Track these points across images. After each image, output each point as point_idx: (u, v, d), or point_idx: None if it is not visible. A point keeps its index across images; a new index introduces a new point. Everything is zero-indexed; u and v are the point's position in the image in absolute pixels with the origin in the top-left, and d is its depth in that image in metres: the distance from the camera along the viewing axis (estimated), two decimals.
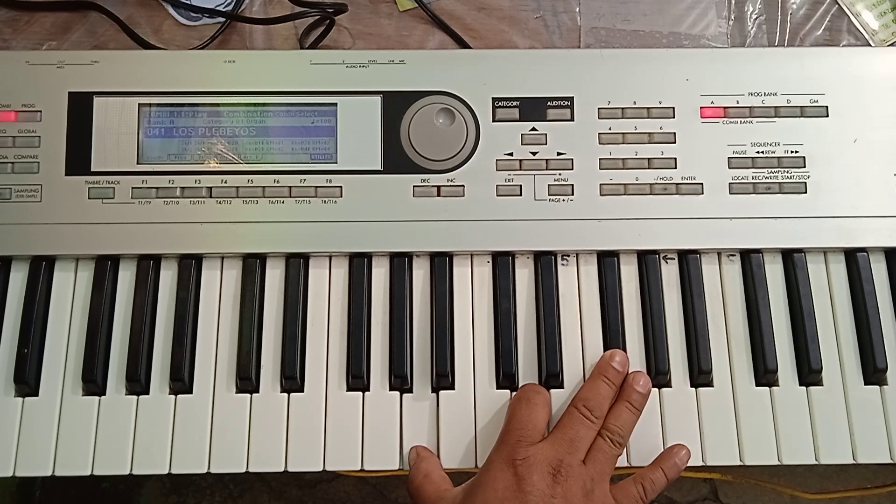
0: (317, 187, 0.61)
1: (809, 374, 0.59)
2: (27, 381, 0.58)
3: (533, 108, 0.62)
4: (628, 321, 0.60)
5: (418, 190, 0.61)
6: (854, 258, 0.61)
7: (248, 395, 0.58)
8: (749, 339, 0.60)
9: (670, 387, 0.59)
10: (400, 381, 0.59)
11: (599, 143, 0.62)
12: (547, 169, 0.61)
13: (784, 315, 0.61)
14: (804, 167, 0.61)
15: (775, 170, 0.61)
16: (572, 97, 0.62)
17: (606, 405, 0.57)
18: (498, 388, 0.59)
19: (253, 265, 0.61)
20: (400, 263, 0.61)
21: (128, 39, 0.69)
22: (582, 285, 0.61)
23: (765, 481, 0.80)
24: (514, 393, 0.58)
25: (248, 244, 0.60)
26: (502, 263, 0.61)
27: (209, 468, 0.57)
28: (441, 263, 0.61)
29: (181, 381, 0.58)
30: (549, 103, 0.62)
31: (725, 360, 0.59)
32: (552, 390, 0.58)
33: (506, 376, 0.59)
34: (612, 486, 0.55)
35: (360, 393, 0.59)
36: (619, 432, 0.56)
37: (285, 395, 0.58)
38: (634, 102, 0.62)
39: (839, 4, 0.71)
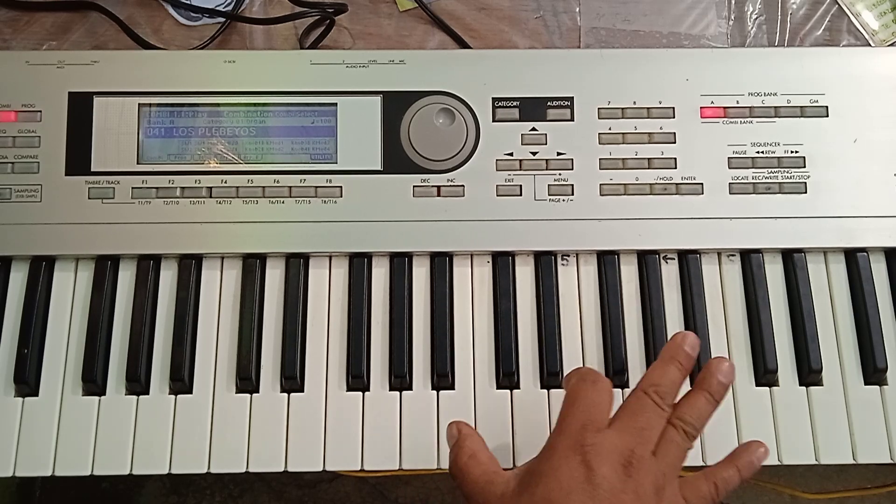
0: (317, 187, 0.61)
1: (809, 374, 0.59)
2: (27, 381, 0.58)
3: (533, 108, 0.62)
4: (628, 321, 0.60)
5: (418, 190, 0.61)
6: (854, 258, 0.61)
7: (248, 395, 0.58)
8: (749, 339, 0.60)
9: None
10: (400, 381, 0.59)
11: (599, 143, 0.62)
12: (547, 169, 0.61)
13: (784, 315, 0.61)
14: (804, 167, 0.61)
15: (775, 170, 0.61)
16: (572, 97, 0.62)
17: (676, 392, 0.51)
18: (498, 388, 0.59)
19: (253, 265, 0.61)
20: (400, 263, 0.61)
21: (128, 39, 0.69)
22: (582, 285, 0.61)
23: (765, 481, 0.80)
24: (567, 377, 0.54)
25: (248, 244, 0.60)
26: (502, 263, 0.61)
27: (209, 468, 0.57)
28: (441, 263, 0.61)
29: (181, 381, 0.58)
30: (549, 103, 0.62)
31: None
32: (552, 390, 0.59)
33: (506, 376, 0.59)
34: (680, 480, 0.50)
35: (360, 393, 0.59)
36: (693, 424, 0.50)
37: (285, 395, 0.58)
38: (634, 102, 0.62)
39: (839, 4, 0.71)
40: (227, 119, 0.61)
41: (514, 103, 0.62)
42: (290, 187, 0.60)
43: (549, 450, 0.49)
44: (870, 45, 0.71)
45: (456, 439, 0.53)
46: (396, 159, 0.61)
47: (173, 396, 0.58)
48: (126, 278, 0.61)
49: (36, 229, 0.60)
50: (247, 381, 0.58)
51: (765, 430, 0.58)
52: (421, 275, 0.61)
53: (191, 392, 0.58)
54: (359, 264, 0.61)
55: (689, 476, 0.51)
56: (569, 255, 0.62)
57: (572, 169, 0.61)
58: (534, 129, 0.62)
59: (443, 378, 0.59)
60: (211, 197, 0.60)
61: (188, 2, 0.71)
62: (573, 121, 0.62)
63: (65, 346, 0.59)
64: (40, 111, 0.61)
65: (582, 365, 0.59)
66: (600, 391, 0.50)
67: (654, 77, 0.63)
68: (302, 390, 0.59)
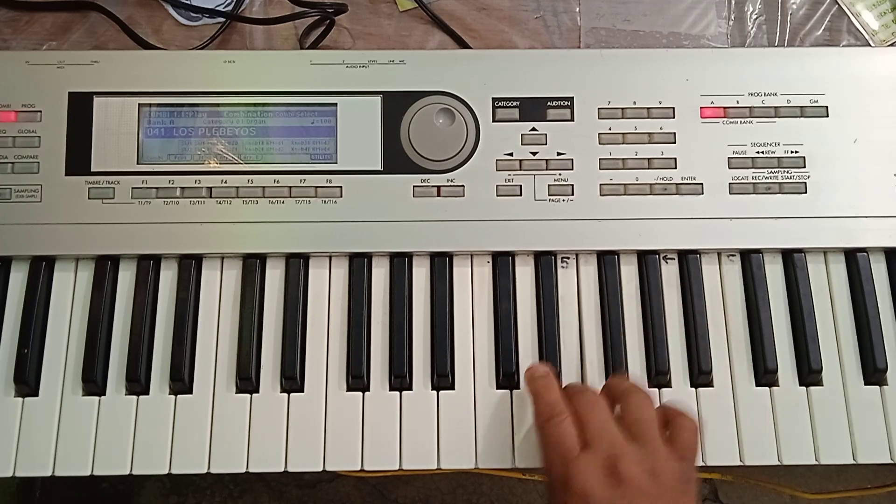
0: (317, 187, 0.61)
1: (809, 374, 0.59)
2: (27, 381, 0.58)
3: (533, 108, 0.62)
4: (628, 321, 0.60)
5: (418, 190, 0.61)
6: (854, 258, 0.61)
7: (248, 395, 0.58)
8: (749, 339, 0.60)
9: (670, 387, 0.59)
10: (400, 381, 0.59)
11: (599, 143, 0.62)
12: (547, 169, 0.61)
13: (784, 315, 0.61)
14: (804, 167, 0.61)
15: (775, 170, 0.61)
16: (572, 97, 0.62)
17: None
18: (498, 388, 0.59)
19: (253, 265, 0.61)
20: (400, 263, 0.61)
21: (128, 39, 0.69)
22: (582, 285, 0.61)
23: (765, 481, 0.80)
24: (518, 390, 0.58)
25: (248, 244, 0.60)
26: (502, 263, 0.61)
27: (209, 468, 0.57)
28: (441, 263, 0.61)
29: (181, 381, 0.58)
30: (549, 103, 0.62)
31: (725, 360, 0.59)
32: None
33: (506, 376, 0.59)
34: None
35: (360, 393, 0.59)
36: (636, 387, 0.55)
37: (285, 395, 0.58)
38: (634, 102, 0.62)
39: (839, 4, 0.71)
40: (227, 119, 0.61)
41: (514, 103, 0.62)
42: (290, 187, 0.60)
43: (549, 491, 0.52)
44: (870, 45, 0.71)
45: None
46: (396, 159, 0.61)
47: (173, 396, 0.58)
48: (126, 278, 0.61)
49: (36, 229, 0.60)
50: (247, 381, 0.58)
51: (765, 430, 0.58)
52: (421, 275, 0.61)
53: (191, 392, 0.58)
54: (359, 264, 0.61)
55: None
56: (569, 256, 0.62)
57: (572, 169, 0.61)
58: (534, 129, 0.62)
59: (443, 378, 0.59)
60: (211, 197, 0.60)
61: (188, 2, 0.71)
62: (573, 121, 0.62)
63: (65, 346, 0.59)
64: (40, 111, 0.61)
65: (581, 365, 0.59)
66: (560, 423, 0.53)
67: (654, 77, 0.63)
68: (302, 390, 0.59)
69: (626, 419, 0.53)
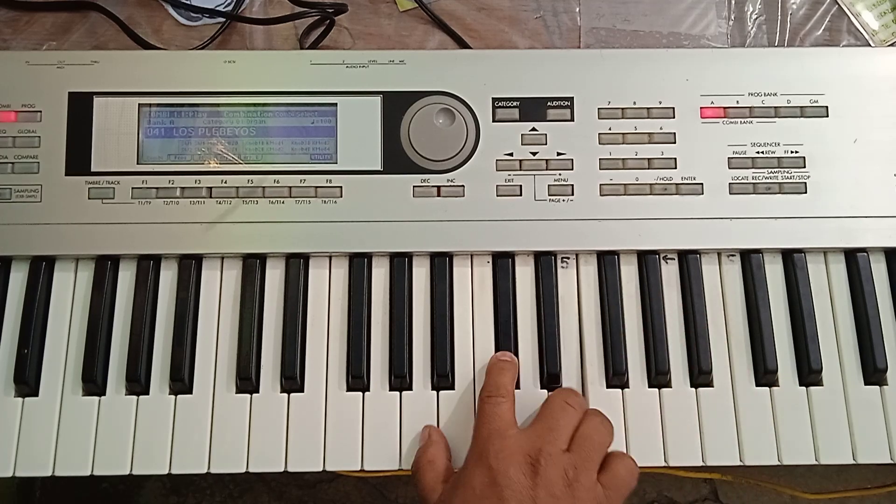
0: (317, 187, 0.61)
1: (809, 374, 0.59)
2: (27, 381, 0.58)
3: (533, 108, 0.62)
4: (628, 321, 0.60)
5: (418, 190, 0.61)
6: (854, 258, 0.61)
7: (248, 395, 0.58)
8: (749, 339, 0.60)
9: (670, 387, 0.59)
10: (400, 381, 0.59)
11: (599, 143, 0.62)
12: (547, 169, 0.61)
13: (784, 315, 0.61)
14: (804, 167, 0.61)
15: (775, 170, 0.61)
16: (572, 97, 0.62)
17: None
18: None
19: (253, 265, 0.61)
20: (400, 263, 0.61)
21: (128, 39, 0.69)
22: (582, 286, 0.61)
23: (765, 481, 0.80)
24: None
25: (248, 244, 0.60)
26: (502, 264, 0.61)
27: (209, 468, 0.57)
28: (441, 263, 0.61)
29: (181, 382, 0.58)
30: (549, 103, 0.62)
31: (725, 361, 0.59)
32: (552, 391, 0.59)
33: None
34: (599, 473, 0.53)
35: (360, 393, 0.59)
36: (606, 417, 0.55)
37: (285, 395, 0.58)
38: (634, 102, 0.62)
39: (839, 4, 0.71)
40: (227, 119, 0.61)
41: (514, 103, 0.62)
42: (290, 187, 0.60)
43: (464, 464, 0.54)
44: (870, 45, 0.71)
45: (424, 442, 0.56)
46: (396, 159, 0.61)
47: (173, 396, 0.58)
48: (126, 278, 0.61)
49: (36, 229, 0.60)
50: (247, 381, 0.58)
51: (765, 430, 0.58)
52: (421, 275, 0.61)
53: (191, 392, 0.58)
54: (359, 264, 0.61)
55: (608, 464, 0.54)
56: (569, 256, 0.62)
57: (572, 169, 0.61)
58: (534, 129, 0.62)
59: (443, 378, 0.59)
60: (211, 197, 0.60)
61: (188, 2, 0.71)
62: (573, 121, 0.62)
63: (65, 346, 0.59)
64: (40, 111, 0.61)
65: (581, 365, 0.59)
66: (499, 403, 0.55)
67: (654, 77, 0.63)
68: (302, 390, 0.59)
69: (577, 433, 0.54)
